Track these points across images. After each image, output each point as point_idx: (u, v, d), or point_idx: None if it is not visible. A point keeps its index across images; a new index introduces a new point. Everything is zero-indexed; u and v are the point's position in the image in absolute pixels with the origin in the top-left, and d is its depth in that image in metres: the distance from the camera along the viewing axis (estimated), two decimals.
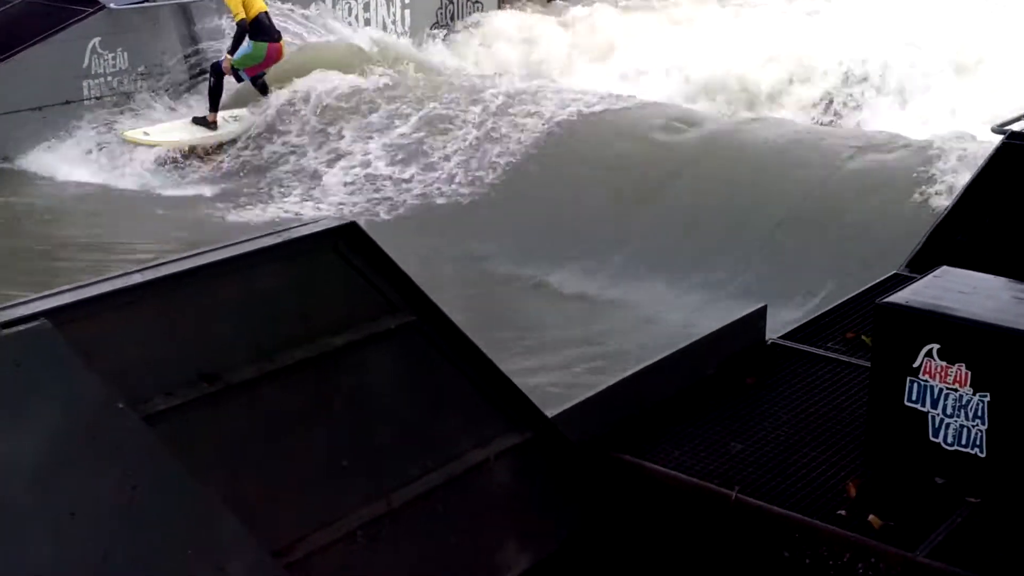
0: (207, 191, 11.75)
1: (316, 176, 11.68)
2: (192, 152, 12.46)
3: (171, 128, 12.48)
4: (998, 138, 6.33)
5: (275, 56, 12.56)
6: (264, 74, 12.79)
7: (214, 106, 12.48)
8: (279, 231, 3.14)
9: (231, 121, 12.65)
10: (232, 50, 12.28)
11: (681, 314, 8.32)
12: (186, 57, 13.43)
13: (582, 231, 9.89)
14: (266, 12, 12.45)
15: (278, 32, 12.58)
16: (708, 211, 9.70)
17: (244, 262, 3.01)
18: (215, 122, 12.47)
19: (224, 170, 12.13)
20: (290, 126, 12.48)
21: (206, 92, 12.65)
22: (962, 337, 3.76)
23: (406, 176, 11.20)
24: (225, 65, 12.33)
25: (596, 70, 14.94)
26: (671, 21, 16.47)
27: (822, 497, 3.77)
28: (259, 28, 12.27)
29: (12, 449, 2.41)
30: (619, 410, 4.12)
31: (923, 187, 8.92)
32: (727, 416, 4.28)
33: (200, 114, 12.65)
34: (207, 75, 12.74)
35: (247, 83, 12.82)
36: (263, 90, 12.91)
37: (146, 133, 12.26)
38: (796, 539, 3.67)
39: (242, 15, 12.12)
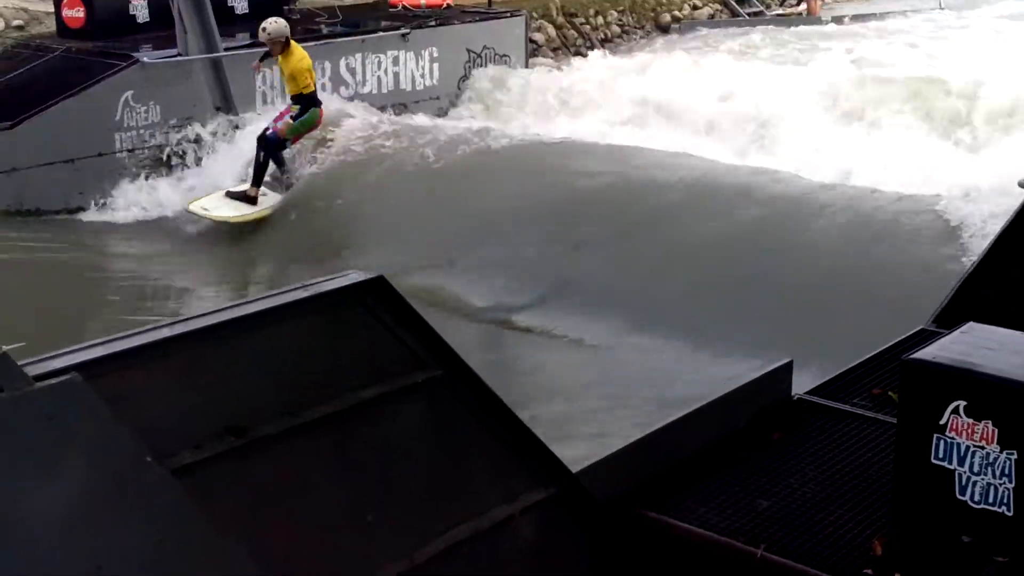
0: None
1: None
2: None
3: (218, 202, 12.18)
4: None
5: (319, 122, 12.54)
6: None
7: (258, 181, 12.13)
8: (307, 285, 3.17)
9: (267, 194, 12.30)
10: (296, 116, 12.15)
11: (705, 369, 8.30)
12: (217, 110, 13.58)
13: (608, 284, 9.90)
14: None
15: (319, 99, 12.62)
16: (732, 264, 9.70)
17: (272, 316, 3.04)
18: (256, 197, 12.09)
19: None
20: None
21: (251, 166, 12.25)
22: (989, 394, 3.74)
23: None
24: (281, 129, 12.12)
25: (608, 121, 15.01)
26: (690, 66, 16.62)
27: (848, 555, 3.74)
28: (313, 97, 12.29)
29: (42, 501, 2.43)
30: (644, 466, 4.11)
31: (950, 241, 8.90)
32: (753, 472, 4.27)
33: (236, 188, 12.27)
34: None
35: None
36: (281, 161, 12.54)
37: (205, 208, 12.09)
38: None
39: (312, 87, 12.17)
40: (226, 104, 13.62)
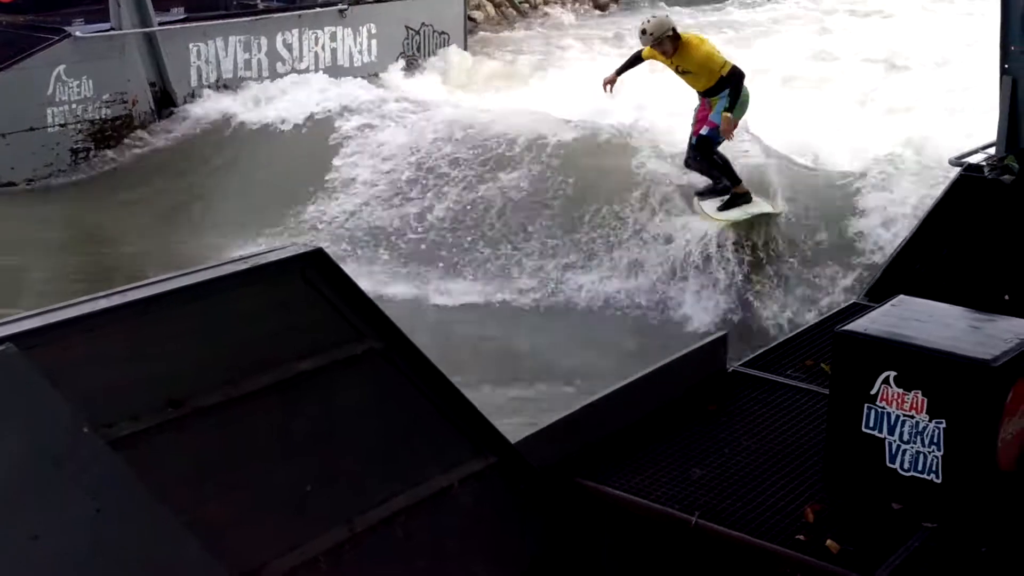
0: None
1: None
2: None
3: (730, 212, 9.60)
4: (955, 170, 6.45)
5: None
6: None
7: (733, 178, 9.54)
8: (246, 257, 3.17)
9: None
10: (731, 107, 9.26)
11: (641, 342, 8.37)
12: (151, 85, 13.41)
13: (541, 255, 9.94)
14: None
15: None
16: (663, 239, 9.76)
17: (211, 288, 3.03)
18: (747, 191, 9.57)
19: None
20: None
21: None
22: (918, 365, 3.82)
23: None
24: (727, 128, 9.24)
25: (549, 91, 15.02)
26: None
27: (781, 522, 3.82)
28: (735, 69, 9.39)
29: None
30: (581, 436, 4.15)
31: (882, 218, 9.02)
32: (688, 442, 4.33)
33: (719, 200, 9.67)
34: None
35: None
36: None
37: (748, 212, 9.54)
38: (755, 564, 3.71)
39: (730, 64, 9.37)
40: (161, 79, 13.47)
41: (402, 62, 15.98)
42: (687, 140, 9.67)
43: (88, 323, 2.76)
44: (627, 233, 9.91)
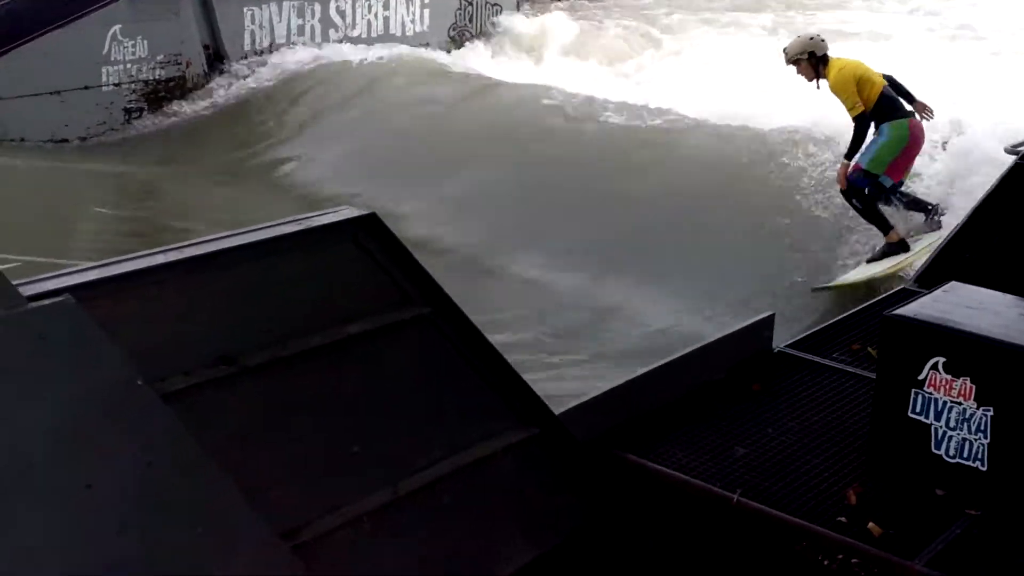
0: None
1: None
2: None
3: (866, 269, 8.84)
4: (1010, 158, 6.37)
5: (920, 135, 8.75)
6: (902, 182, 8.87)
7: (883, 226, 8.72)
8: (299, 219, 3.19)
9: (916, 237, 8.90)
10: (850, 154, 8.65)
11: (690, 321, 8.35)
12: (205, 48, 13.51)
13: (591, 237, 9.92)
14: (886, 85, 8.72)
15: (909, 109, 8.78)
16: (717, 219, 9.74)
17: (265, 248, 3.06)
18: (900, 240, 8.70)
19: None
20: None
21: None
22: (968, 351, 3.80)
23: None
24: (841, 174, 8.74)
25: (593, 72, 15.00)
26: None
27: (823, 503, 3.81)
28: (886, 108, 8.63)
29: (33, 421, 2.45)
30: (625, 410, 4.16)
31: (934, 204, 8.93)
32: (732, 421, 4.33)
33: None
34: None
35: None
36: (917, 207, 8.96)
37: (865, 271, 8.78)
38: (796, 543, 3.71)
39: (860, 108, 8.55)
40: (214, 42, 13.57)
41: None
42: None
43: (144, 278, 2.80)
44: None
